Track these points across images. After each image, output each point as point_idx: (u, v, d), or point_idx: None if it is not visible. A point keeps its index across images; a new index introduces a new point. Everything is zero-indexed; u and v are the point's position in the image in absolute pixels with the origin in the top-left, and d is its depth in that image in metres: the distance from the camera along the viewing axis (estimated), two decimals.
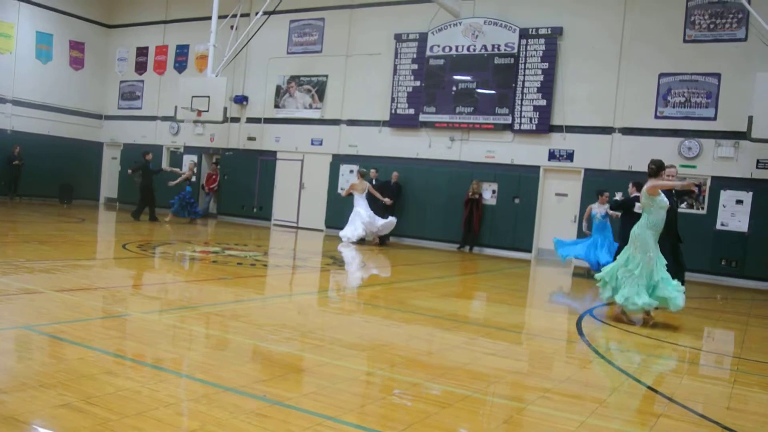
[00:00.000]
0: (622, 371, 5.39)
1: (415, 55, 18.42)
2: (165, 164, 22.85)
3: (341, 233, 16.72)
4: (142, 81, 24.30)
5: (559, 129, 16.52)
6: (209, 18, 20.15)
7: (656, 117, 15.40)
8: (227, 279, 8.83)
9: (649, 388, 5.01)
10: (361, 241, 16.52)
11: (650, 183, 7.82)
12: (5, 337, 4.91)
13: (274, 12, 19.25)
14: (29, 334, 4.98)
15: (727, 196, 14.62)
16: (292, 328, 6.09)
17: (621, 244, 11.19)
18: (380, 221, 16.50)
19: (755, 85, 13.59)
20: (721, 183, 14.64)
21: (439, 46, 18.06)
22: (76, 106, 24.13)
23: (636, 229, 7.85)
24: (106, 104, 25.14)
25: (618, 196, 13.28)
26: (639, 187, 11.35)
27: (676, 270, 8.70)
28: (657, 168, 7.95)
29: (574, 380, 5.07)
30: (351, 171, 19.23)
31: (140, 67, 24.35)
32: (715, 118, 14.83)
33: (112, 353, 4.67)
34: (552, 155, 16.65)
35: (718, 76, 14.79)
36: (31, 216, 17.08)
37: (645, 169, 8.30)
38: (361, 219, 16.45)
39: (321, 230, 19.73)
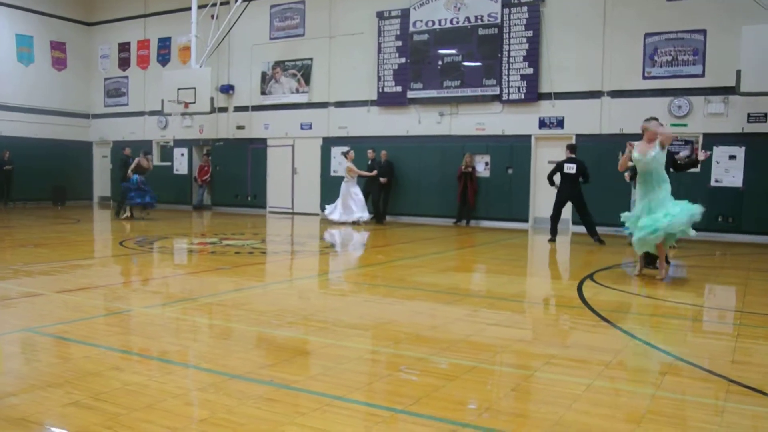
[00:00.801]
0: (626, 332, 5.42)
1: (398, 32, 18.31)
2: (156, 159, 22.82)
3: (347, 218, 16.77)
4: (127, 77, 24.12)
5: (547, 96, 16.48)
6: (189, 9, 20.03)
7: (644, 78, 15.36)
8: (226, 269, 8.83)
9: (654, 347, 5.04)
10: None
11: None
12: (10, 340, 4.91)
13: None
14: (33, 336, 4.98)
15: (719, 152, 14.62)
16: (294, 312, 6.10)
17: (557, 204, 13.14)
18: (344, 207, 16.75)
19: (742, 38, 13.53)
20: (713, 139, 14.63)
21: (422, 21, 17.95)
22: (63, 107, 23.97)
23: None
24: (92, 103, 24.97)
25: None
26: (572, 150, 13.08)
27: None
28: None
29: (578, 345, 5.10)
30: (342, 153, 19.16)
31: (123, 63, 24.16)
32: (703, 75, 14.79)
33: (117, 349, 4.67)
34: (542, 123, 16.62)
35: (703, 32, 14.74)
36: (26, 220, 17.02)
37: (637, 130, 8.30)
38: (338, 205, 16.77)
39: (317, 214, 19.72)
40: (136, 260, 9.84)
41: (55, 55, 23.86)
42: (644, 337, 5.31)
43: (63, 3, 23.95)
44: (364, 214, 16.66)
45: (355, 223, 16.58)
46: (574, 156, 12.96)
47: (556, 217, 13.28)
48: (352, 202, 16.59)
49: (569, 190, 12.92)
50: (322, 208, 18.27)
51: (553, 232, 13.30)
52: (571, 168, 12.77)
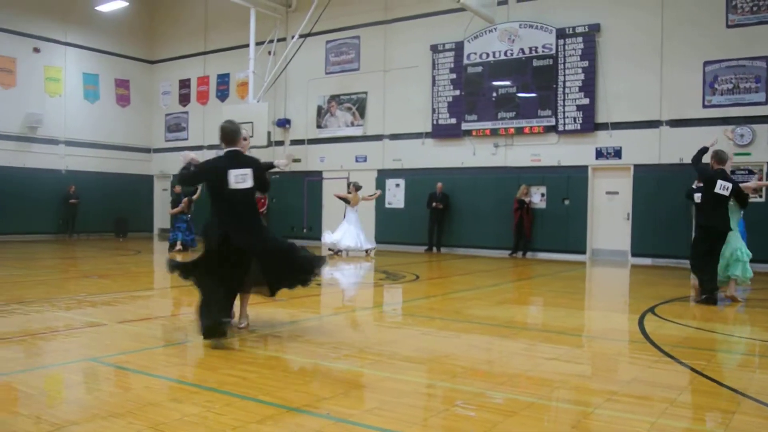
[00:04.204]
0: (691, 369, 5.24)
1: (452, 65, 18.41)
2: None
3: (330, 238, 16.52)
4: (187, 112, 24.81)
5: (604, 126, 16.28)
6: (247, 45, 20.55)
7: (704, 106, 15.05)
8: (282, 300, 8.89)
9: (721, 384, 4.86)
10: (338, 252, 16.56)
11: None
12: (74, 369, 5.03)
13: (309, 34, 19.49)
14: (96, 365, 5.10)
15: None
16: (351, 344, 6.09)
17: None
18: (363, 236, 16.66)
19: None
20: None
21: (476, 53, 18.02)
22: (125, 142, 24.76)
23: None
24: (153, 137, 25.74)
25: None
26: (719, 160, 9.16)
27: None
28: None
29: (640, 381, 4.95)
30: (397, 185, 19.30)
31: (184, 99, 24.88)
32: (766, 103, 14.43)
33: (176, 380, 4.74)
34: (599, 153, 16.39)
35: (765, 59, 14.39)
36: (90, 251, 17.53)
37: None
38: (350, 231, 16.52)
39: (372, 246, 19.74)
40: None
41: (119, 92, 24.73)
42: (710, 374, 5.12)
43: (127, 43, 24.87)
44: (372, 244, 16.99)
45: (367, 253, 16.76)
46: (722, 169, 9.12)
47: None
48: (361, 232, 16.64)
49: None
50: (368, 244, 18.30)
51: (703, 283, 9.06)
52: (724, 188, 8.90)
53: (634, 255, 15.82)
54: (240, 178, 5.86)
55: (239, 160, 6.02)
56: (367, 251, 16.75)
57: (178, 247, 17.17)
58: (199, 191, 17.48)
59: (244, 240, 5.87)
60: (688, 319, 7.67)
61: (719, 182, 8.80)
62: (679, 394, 4.55)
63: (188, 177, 6.27)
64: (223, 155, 6.07)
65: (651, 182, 15.41)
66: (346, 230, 16.47)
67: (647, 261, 15.44)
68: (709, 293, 8.77)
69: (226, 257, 5.89)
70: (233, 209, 5.92)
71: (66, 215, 22.26)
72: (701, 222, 9.10)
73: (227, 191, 5.82)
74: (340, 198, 16.85)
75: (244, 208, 6.00)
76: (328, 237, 16.52)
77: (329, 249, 16.46)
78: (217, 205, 5.98)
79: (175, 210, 17.65)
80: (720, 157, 9.04)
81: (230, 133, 6.12)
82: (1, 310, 7.52)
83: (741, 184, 9.33)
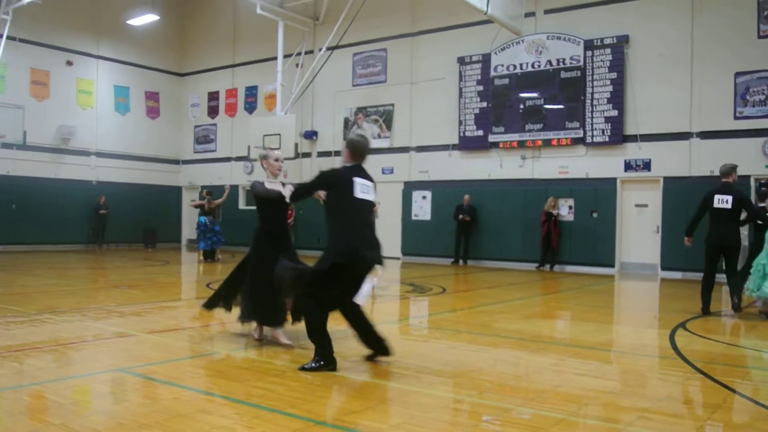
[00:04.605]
0: (725, 386, 5.13)
1: (479, 77, 18.38)
2: (241, 203, 23.49)
3: None
4: (215, 124, 25.05)
5: (633, 138, 16.11)
6: (275, 58, 20.72)
7: (736, 118, 14.83)
8: None
9: (756, 403, 4.75)
10: None
11: None
12: (102, 380, 5.07)
13: (337, 47, 19.58)
14: (124, 376, 5.13)
15: None
16: (378, 358, 6.06)
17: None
18: None
19: None
20: None
21: (503, 65, 17.97)
22: (155, 153, 25.07)
23: None
24: (182, 149, 26.02)
25: None
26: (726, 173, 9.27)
27: None
28: None
29: (673, 398, 4.86)
30: (423, 197, 19.30)
31: (212, 111, 25.13)
32: None
33: (204, 391, 4.75)
34: (628, 166, 16.23)
35: None
36: (119, 261, 17.73)
37: None
38: None
39: (398, 258, 19.74)
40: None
41: (149, 105, 25.06)
42: (744, 392, 5.01)
43: (157, 55, 25.22)
44: None
45: None
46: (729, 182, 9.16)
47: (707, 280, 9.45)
48: None
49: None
50: (405, 253, 18.28)
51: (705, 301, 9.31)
52: (724, 201, 9.01)
53: (663, 268, 15.61)
54: (365, 189, 5.60)
55: (363, 173, 5.78)
56: None
57: (200, 258, 17.38)
58: (225, 195, 17.54)
59: (374, 253, 5.64)
60: (720, 335, 7.53)
61: (716, 197, 8.88)
62: (712, 412, 4.46)
63: (308, 187, 5.95)
64: (349, 166, 5.75)
65: (681, 195, 15.20)
66: None
67: (677, 275, 15.21)
68: (733, 305, 9.11)
69: (351, 276, 5.79)
70: (359, 219, 5.57)
71: (96, 225, 22.56)
72: (707, 237, 9.27)
73: (353, 200, 5.49)
74: None
75: (369, 221, 5.75)
76: None
77: None
78: (342, 217, 5.59)
79: (196, 203, 17.95)
80: (721, 170, 9.24)
81: (362, 148, 5.88)
82: (33, 320, 7.62)
83: None
